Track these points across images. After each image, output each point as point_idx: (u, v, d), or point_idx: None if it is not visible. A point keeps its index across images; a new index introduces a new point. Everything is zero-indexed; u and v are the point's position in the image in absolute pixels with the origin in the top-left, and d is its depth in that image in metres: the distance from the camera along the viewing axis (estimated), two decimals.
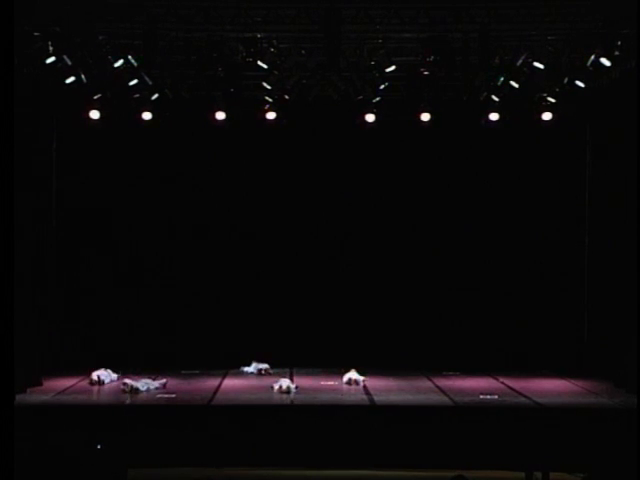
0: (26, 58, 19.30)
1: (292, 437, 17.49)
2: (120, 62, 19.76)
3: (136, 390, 19.45)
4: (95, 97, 21.26)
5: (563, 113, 21.80)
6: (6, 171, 13.70)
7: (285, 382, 19.72)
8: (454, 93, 21.79)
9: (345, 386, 20.53)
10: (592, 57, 19.23)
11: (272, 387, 19.73)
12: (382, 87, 21.32)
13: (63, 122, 23.04)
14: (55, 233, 23.24)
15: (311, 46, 19.71)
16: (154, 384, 19.91)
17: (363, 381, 20.64)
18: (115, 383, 20.35)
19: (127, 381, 19.60)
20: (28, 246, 20.71)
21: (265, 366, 22.02)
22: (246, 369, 22.21)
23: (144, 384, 19.71)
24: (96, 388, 20.22)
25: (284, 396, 19.29)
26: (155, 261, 23.87)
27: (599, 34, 18.97)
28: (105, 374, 20.62)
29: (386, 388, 20.43)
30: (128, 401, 18.80)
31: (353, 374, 20.77)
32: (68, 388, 20.18)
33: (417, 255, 24.03)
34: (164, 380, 20.21)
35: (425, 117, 21.90)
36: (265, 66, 19.95)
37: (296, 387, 19.74)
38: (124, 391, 19.45)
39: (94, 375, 20.26)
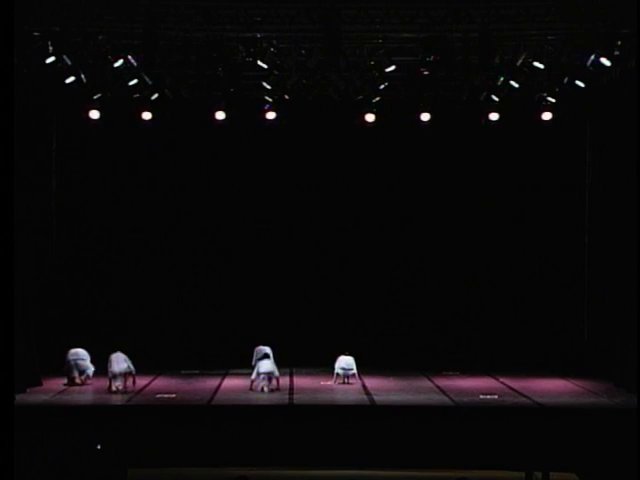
0: (26, 58, 19.30)
1: (292, 437, 17.50)
2: (120, 62, 19.77)
3: (122, 388, 19.52)
4: (95, 97, 21.28)
5: (563, 112, 21.90)
6: (6, 171, 13.69)
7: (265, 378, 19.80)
8: (454, 93, 21.78)
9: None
10: (592, 57, 19.22)
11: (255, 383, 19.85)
12: (382, 87, 21.32)
13: (63, 122, 23.07)
14: (55, 233, 23.27)
15: (311, 46, 19.71)
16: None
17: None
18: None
19: (115, 383, 19.56)
20: (28, 246, 20.73)
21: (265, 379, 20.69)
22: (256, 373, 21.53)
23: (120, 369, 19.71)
24: (90, 388, 20.27)
25: (276, 395, 19.48)
26: (154, 261, 23.87)
27: (599, 34, 18.97)
28: (82, 356, 20.56)
29: (386, 388, 20.45)
30: (124, 401, 18.81)
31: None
32: (68, 388, 20.19)
33: (417, 255, 24.05)
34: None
35: (425, 117, 21.93)
36: (265, 66, 19.95)
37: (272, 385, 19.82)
38: (114, 392, 19.48)
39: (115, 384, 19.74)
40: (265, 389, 19.68)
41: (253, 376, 19.95)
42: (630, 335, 19.59)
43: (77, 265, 23.60)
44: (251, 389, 19.82)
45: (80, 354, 20.54)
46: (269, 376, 19.75)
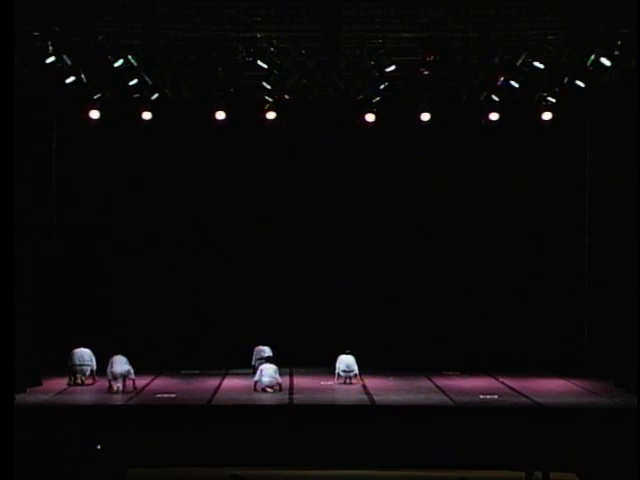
0: (26, 58, 19.30)
1: (292, 437, 17.49)
2: (120, 62, 19.77)
3: (122, 390, 19.52)
4: (95, 97, 21.28)
5: (563, 112, 21.91)
6: (6, 171, 13.70)
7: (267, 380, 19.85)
8: (454, 93, 21.78)
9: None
10: (592, 57, 19.23)
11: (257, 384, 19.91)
12: (382, 87, 21.32)
13: (63, 122, 23.06)
14: (55, 233, 23.26)
15: (311, 46, 19.72)
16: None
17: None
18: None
19: (115, 384, 19.57)
20: (28, 247, 20.72)
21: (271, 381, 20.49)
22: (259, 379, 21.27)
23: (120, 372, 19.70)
24: (89, 388, 20.26)
25: (276, 395, 19.53)
26: (154, 261, 23.86)
27: (599, 34, 18.97)
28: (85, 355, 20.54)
29: (386, 388, 20.45)
30: (124, 401, 18.80)
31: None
32: (68, 388, 20.19)
33: (417, 255, 24.05)
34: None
35: (425, 117, 21.93)
36: (265, 66, 19.96)
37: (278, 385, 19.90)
38: (114, 392, 19.48)
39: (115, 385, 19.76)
40: (269, 390, 19.74)
41: (256, 377, 19.96)
42: (630, 335, 19.58)
43: (77, 265, 23.61)
44: (255, 390, 19.82)
45: (86, 359, 20.53)
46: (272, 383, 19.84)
